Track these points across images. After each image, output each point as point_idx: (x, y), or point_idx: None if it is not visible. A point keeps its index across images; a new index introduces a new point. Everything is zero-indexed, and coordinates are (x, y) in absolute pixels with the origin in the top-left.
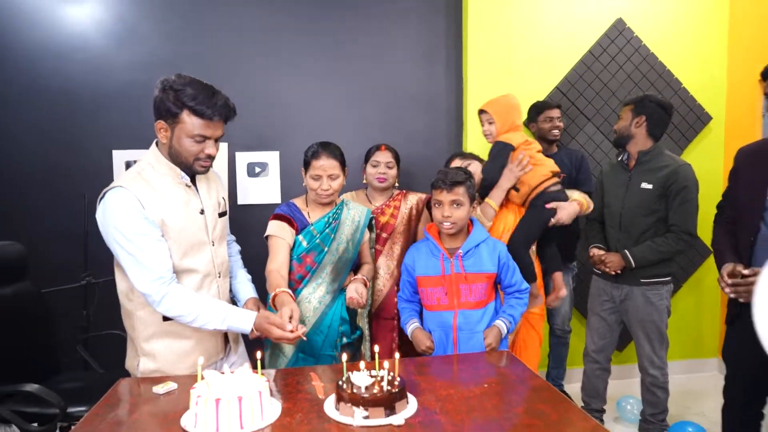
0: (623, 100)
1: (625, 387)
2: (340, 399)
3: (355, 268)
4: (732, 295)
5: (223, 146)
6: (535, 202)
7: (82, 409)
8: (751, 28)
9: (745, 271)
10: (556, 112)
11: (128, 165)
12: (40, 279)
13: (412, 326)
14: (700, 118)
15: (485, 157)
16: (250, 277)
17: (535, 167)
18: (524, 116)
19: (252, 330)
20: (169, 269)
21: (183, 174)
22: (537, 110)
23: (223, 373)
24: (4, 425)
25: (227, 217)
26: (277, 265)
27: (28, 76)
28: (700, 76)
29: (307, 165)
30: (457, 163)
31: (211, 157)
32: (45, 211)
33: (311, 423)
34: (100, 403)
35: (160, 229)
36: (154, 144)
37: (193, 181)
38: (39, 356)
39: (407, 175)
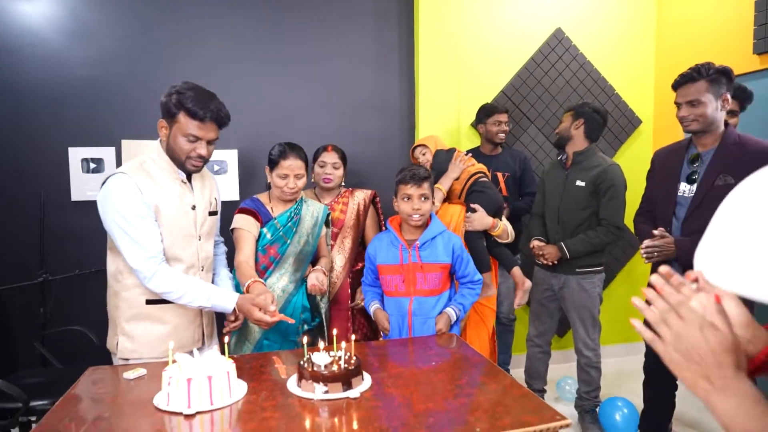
0: (563, 104)
1: (565, 370)
2: (301, 377)
3: (314, 261)
4: (644, 256)
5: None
6: (472, 188)
7: (45, 402)
8: (676, 39)
9: (655, 231)
10: (504, 117)
11: (85, 162)
12: None
13: (373, 307)
14: (631, 122)
15: None
16: (231, 276)
17: (473, 164)
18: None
19: (234, 310)
20: (160, 251)
21: (180, 171)
22: (486, 113)
23: (192, 356)
24: None
25: (217, 216)
26: (245, 256)
27: None
28: (631, 83)
29: (273, 164)
30: (419, 151)
31: (202, 158)
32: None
33: (276, 399)
34: (72, 389)
35: (154, 214)
36: (158, 141)
37: (190, 179)
38: None
39: (357, 174)
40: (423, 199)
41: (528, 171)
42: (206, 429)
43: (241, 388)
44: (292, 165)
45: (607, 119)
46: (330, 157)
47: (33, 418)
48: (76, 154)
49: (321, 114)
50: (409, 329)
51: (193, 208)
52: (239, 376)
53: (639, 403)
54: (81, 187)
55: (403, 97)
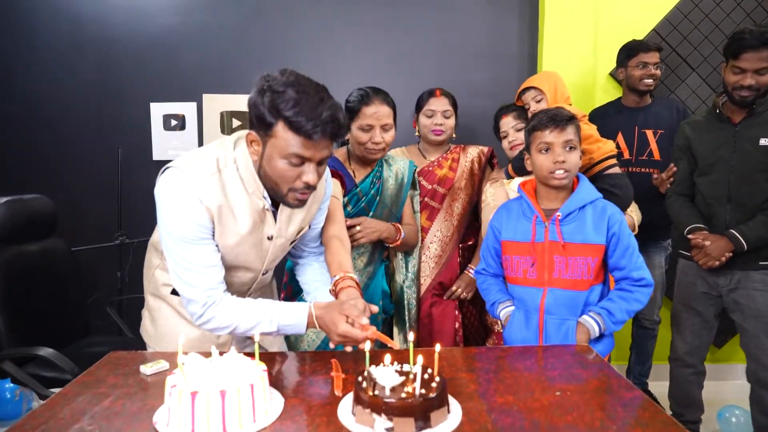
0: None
1: (724, 391)
2: (358, 401)
3: None
4: None
5: None
6: (599, 182)
7: None
8: None
9: None
10: (653, 57)
11: (167, 119)
12: (71, 236)
13: (506, 310)
14: None
15: None
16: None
17: (598, 143)
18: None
19: (313, 324)
20: (219, 281)
21: (267, 199)
22: (628, 53)
23: (209, 355)
24: (26, 388)
25: (306, 231)
26: (337, 230)
27: (67, 25)
28: None
29: (352, 113)
30: (509, 120)
31: (310, 187)
32: (77, 166)
33: (317, 431)
34: (78, 379)
35: (212, 236)
36: (245, 148)
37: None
38: (67, 318)
39: (469, 130)
40: (569, 149)
41: None
42: None
43: (272, 406)
44: (377, 113)
45: None
46: (439, 104)
47: None
48: (158, 110)
49: (423, 63)
50: (540, 332)
51: (270, 238)
52: (278, 385)
53: None
54: (162, 145)
55: (522, 41)
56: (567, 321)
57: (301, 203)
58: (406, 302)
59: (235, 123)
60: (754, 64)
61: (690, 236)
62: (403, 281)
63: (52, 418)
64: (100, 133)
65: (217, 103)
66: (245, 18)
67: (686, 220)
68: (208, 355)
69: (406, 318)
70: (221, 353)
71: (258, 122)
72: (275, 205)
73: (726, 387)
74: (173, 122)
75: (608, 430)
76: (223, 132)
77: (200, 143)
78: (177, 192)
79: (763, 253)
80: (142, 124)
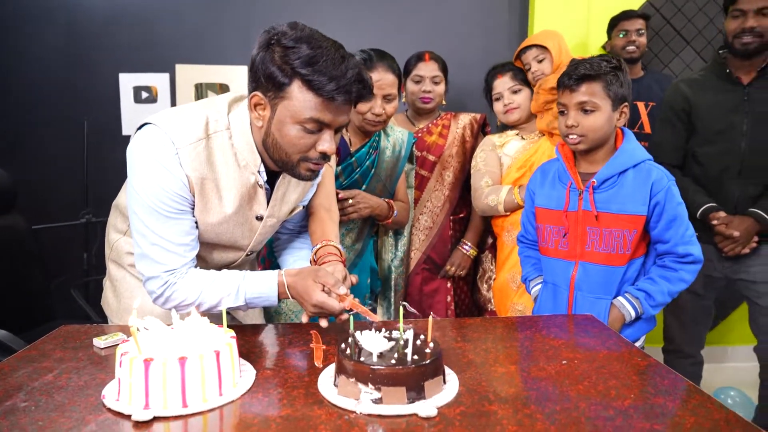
0: None
1: (717, 374)
2: (340, 370)
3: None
4: None
5: None
6: None
7: None
8: None
9: None
10: (634, 24)
11: (137, 91)
12: (33, 214)
13: (537, 288)
14: None
15: None
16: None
17: None
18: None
19: (286, 294)
20: (192, 260)
21: (263, 174)
22: (612, 22)
23: (170, 324)
24: None
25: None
26: (325, 199)
27: None
28: None
29: None
30: (505, 81)
31: (326, 157)
32: (40, 139)
33: (292, 404)
34: (18, 354)
35: (191, 208)
36: (242, 112)
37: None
38: (28, 300)
39: (458, 104)
40: (584, 111)
41: None
42: None
43: (242, 378)
44: (380, 81)
45: None
46: (428, 69)
47: None
48: (127, 81)
49: (409, 33)
50: (569, 308)
51: (259, 218)
52: (250, 357)
53: None
54: (132, 119)
55: (512, 11)
56: (600, 300)
57: (314, 175)
58: (393, 282)
59: (211, 96)
60: (754, 3)
61: (714, 222)
62: (392, 260)
63: None
64: (65, 104)
65: (191, 75)
66: None
67: (693, 198)
68: (168, 323)
69: (392, 298)
70: (182, 317)
71: (267, 81)
72: (270, 182)
73: (717, 370)
74: (144, 94)
75: (626, 399)
76: None
77: None
78: (154, 155)
79: None
80: (111, 96)
